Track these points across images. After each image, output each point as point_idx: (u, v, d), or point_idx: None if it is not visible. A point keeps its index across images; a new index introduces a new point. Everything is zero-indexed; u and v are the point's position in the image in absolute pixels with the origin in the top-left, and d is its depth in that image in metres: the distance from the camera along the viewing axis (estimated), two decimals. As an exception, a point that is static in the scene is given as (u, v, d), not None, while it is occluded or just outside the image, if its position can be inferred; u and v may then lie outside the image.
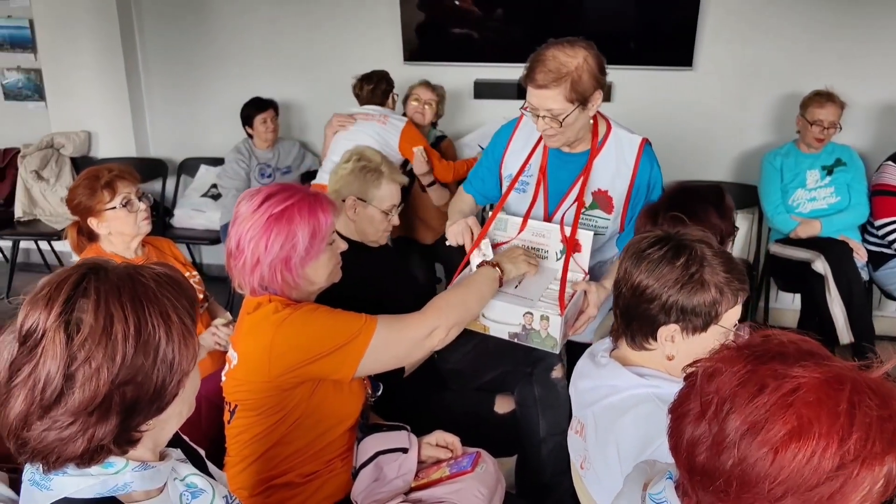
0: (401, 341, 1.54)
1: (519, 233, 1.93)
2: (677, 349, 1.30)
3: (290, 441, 1.54)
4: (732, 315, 1.30)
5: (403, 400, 1.89)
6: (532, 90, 1.78)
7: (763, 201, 3.49)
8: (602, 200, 1.94)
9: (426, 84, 3.57)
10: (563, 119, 1.77)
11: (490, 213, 1.99)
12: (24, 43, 4.47)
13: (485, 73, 3.87)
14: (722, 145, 3.82)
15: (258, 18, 4.14)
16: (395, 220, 2.08)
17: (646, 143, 1.95)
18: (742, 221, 3.78)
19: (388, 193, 2.03)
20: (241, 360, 1.52)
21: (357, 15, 3.99)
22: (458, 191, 2.22)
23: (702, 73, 3.69)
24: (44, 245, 4.64)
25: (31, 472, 0.95)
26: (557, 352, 1.75)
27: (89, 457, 0.91)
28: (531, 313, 1.70)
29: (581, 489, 1.43)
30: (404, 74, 3.79)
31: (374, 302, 1.89)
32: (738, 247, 3.79)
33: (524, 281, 1.83)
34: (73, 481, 0.93)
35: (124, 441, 0.92)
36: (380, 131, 3.39)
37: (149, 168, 4.36)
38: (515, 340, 1.75)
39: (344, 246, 1.63)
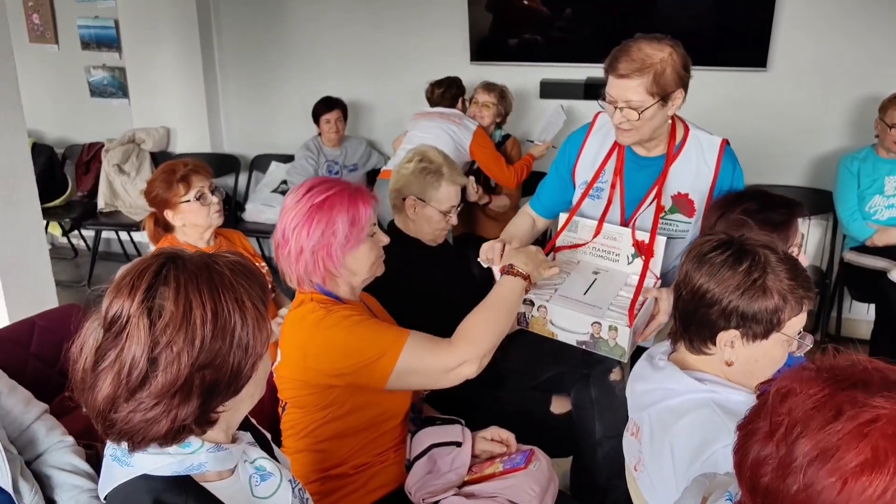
0: (428, 370, 1.50)
1: (595, 236, 1.89)
2: (737, 355, 1.28)
3: (341, 435, 1.57)
4: (796, 323, 1.27)
5: (459, 394, 1.91)
6: (613, 80, 1.75)
7: (838, 207, 3.37)
8: (682, 204, 1.90)
9: (484, 86, 3.62)
10: (642, 112, 1.73)
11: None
12: (110, 42, 4.69)
13: (551, 74, 3.86)
14: (796, 148, 3.70)
15: (329, 20, 4.24)
16: (454, 221, 2.10)
17: (726, 144, 1.91)
18: (815, 228, 3.65)
19: (446, 194, 2.06)
20: (283, 356, 1.57)
21: (424, 16, 4.05)
22: (521, 210, 2.16)
23: (776, 73, 3.59)
24: (123, 235, 4.86)
25: (112, 448, 1.01)
26: (626, 360, 1.72)
27: (172, 437, 0.96)
28: (599, 323, 1.65)
29: (635, 491, 1.42)
30: (470, 75, 3.83)
31: (429, 298, 1.93)
32: (811, 254, 3.67)
33: (595, 285, 1.79)
34: (153, 459, 0.98)
35: (204, 422, 0.97)
36: (455, 130, 3.48)
37: (222, 163, 4.52)
38: (584, 347, 1.72)
39: (385, 239, 1.63)
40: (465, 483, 1.63)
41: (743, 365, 1.29)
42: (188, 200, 2.25)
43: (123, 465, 0.99)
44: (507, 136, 3.72)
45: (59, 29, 4.77)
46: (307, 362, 1.51)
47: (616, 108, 1.77)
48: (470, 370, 1.48)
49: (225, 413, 1.00)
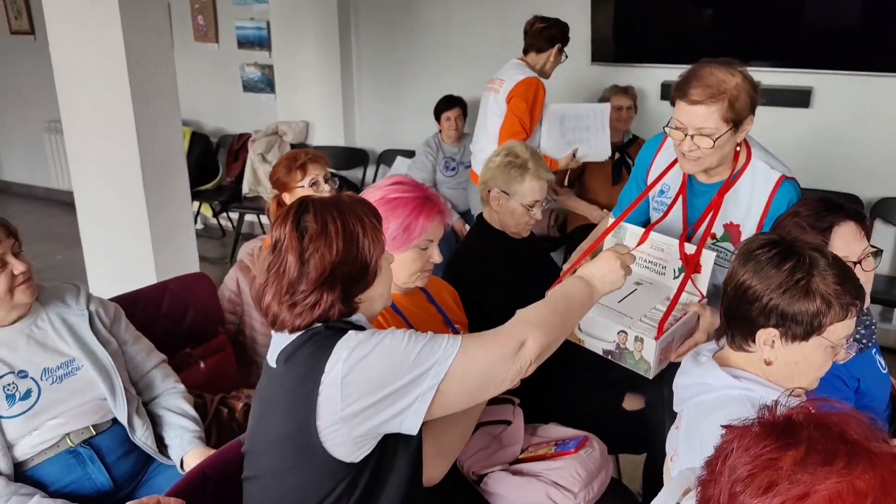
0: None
1: (638, 244, 1.83)
2: (776, 355, 1.28)
3: None
4: (841, 329, 1.25)
5: (531, 382, 1.98)
6: (684, 106, 1.69)
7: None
8: (733, 234, 1.85)
9: (619, 89, 3.62)
10: (717, 140, 1.68)
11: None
12: (262, 42, 5.13)
13: (672, 75, 3.79)
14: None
15: (458, 20, 4.40)
16: (538, 216, 2.15)
17: (784, 181, 1.80)
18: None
19: (530, 189, 2.11)
20: None
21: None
22: (605, 219, 2.15)
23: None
24: (263, 219, 5.30)
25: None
26: (651, 377, 1.62)
27: (325, 316, 1.27)
28: (625, 332, 1.60)
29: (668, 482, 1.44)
30: (590, 75, 3.85)
31: (508, 289, 2.01)
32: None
33: (633, 295, 1.72)
34: None
35: (348, 306, 1.29)
36: (492, 102, 3.39)
37: (353, 157, 4.82)
38: (609, 358, 1.66)
39: (437, 259, 1.65)
40: (517, 461, 1.71)
41: (782, 366, 1.28)
42: (302, 186, 2.46)
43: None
44: (634, 139, 3.71)
45: (220, 29, 5.28)
46: None
47: (686, 135, 1.71)
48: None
49: (363, 304, 1.31)
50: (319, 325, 1.26)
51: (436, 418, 1.30)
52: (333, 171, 3.80)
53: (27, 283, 1.72)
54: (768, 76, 3.67)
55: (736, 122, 1.69)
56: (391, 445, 1.26)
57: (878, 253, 1.63)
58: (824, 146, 3.60)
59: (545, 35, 3.33)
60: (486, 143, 3.39)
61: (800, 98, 3.59)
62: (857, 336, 1.63)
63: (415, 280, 1.71)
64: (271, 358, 1.30)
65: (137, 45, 3.01)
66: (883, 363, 1.74)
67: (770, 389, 1.28)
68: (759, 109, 3.50)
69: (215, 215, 5.52)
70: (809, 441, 0.73)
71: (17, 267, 1.69)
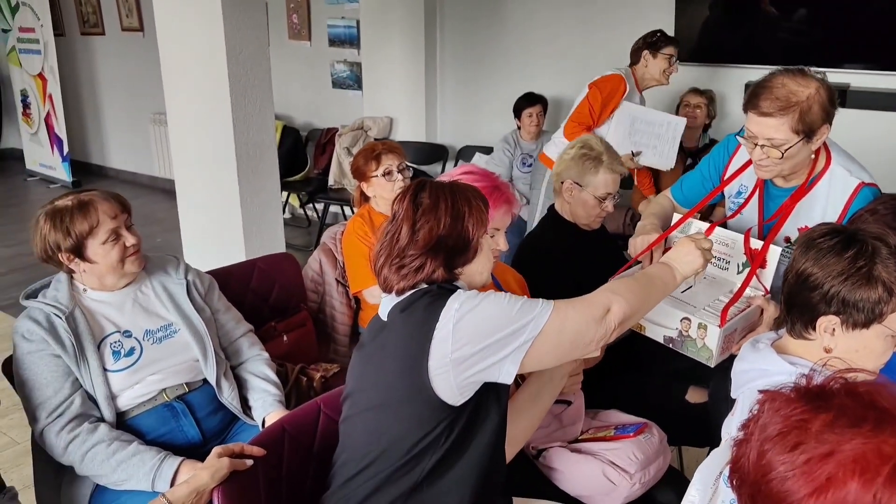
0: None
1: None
2: (836, 343, 1.29)
3: None
4: (902, 317, 1.26)
5: (596, 368, 2.02)
6: (754, 117, 1.71)
7: None
8: None
9: (693, 90, 3.62)
10: (786, 151, 1.69)
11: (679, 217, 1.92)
12: (352, 40, 5.33)
13: (756, 76, 3.73)
14: None
15: (541, 19, 4.46)
16: (609, 208, 2.19)
17: (863, 188, 1.78)
18: None
19: (603, 181, 2.16)
20: None
21: (633, 15, 4.11)
22: (663, 193, 2.19)
23: None
24: (347, 210, 5.49)
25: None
26: (713, 365, 1.63)
27: (428, 280, 1.41)
28: (689, 319, 1.62)
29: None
30: (673, 75, 3.82)
31: (577, 280, 2.05)
32: None
33: (696, 286, 1.74)
34: None
35: (449, 275, 1.43)
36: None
37: (433, 152, 4.95)
38: (670, 345, 1.68)
39: (504, 246, 1.68)
40: (576, 440, 1.76)
41: (842, 353, 1.29)
42: (377, 175, 2.58)
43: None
44: (711, 143, 3.69)
45: (313, 28, 5.52)
46: None
47: (756, 144, 1.73)
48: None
49: (463, 276, 1.46)
50: (430, 286, 1.41)
51: (508, 408, 1.46)
52: (414, 165, 3.94)
53: (136, 254, 1.90)
54: (859, 78, 3.57)
55: (807, 132, 1.69)
56: (486, 397, 1.39)
57: None
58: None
59: (632, 49, 3.51)
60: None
61: (892, 101, 3.47)
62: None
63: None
64: (383, 313, 1.45)
65: (237, 43, 3.22)
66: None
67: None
68: (849, 112, 3.43)
69: (302, 206, 5.77)
70: (840, 406, 0.76)
71: (129, 239, 1.87)
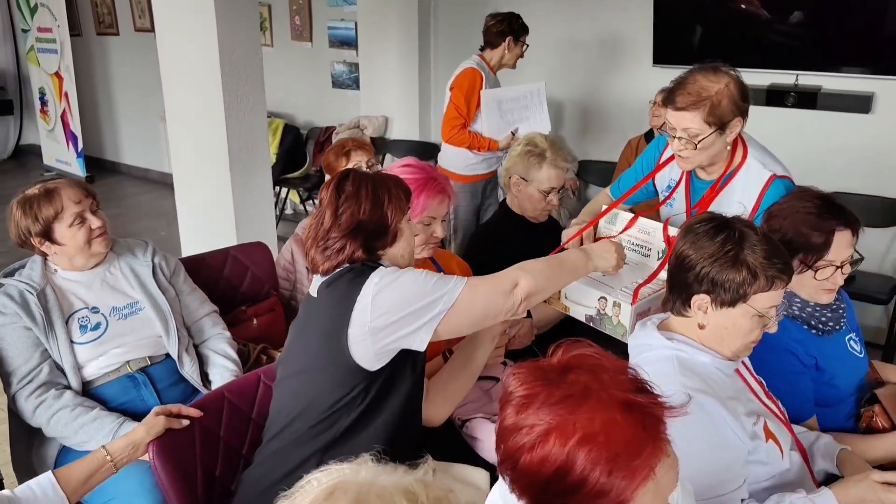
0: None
1: (626, 228, 1.99)
2: (708, 320, 1.41)
3: None
4: (765, 299, 1.37)
5: (523, 350, 2.12)
6: (671, 111, 1.86)
7: None
8: None
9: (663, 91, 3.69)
10: (699, 141, 1.83)
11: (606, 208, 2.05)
12: (350, 41, 5.49)
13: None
14: None
15: (527, 23, 4.56)
16: (554, 202, 2.33)
17: (774, 179, 1.89)
18: None
19: (546, 176, 2.29)
20: None
21: (611, 16, 4.21)
22: (602, 191, 2.31)
23: None
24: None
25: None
26: (627, 341, 1.68)
27: (349, 260, 1.56)
28: (605, 298, 1.76)
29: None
30: (652, 77, 3.92)
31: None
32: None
33: (619, 271, 1.83)
34: None
35: (370, 257, 1.57)
36: None
37: (425, 150, 5.08)
38: (591, 324, 1.82)
39: (441, 233, 1.92)
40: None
41: (714, 329, 1.41)
42: (346, 170, 2.73)
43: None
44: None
45: (314, 29, 5.69)
46: None
47: (675, 137, 1.87)
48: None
49: (385, 258, 1.60)
50: (353, 264, 1.54)
51: (443, 371, 1.66)
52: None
53: (102, 236, 2.07)
54: (830, 81, 3.64)
55: (719, 125, 1.81)
56: (401, 364, 1.54)
57: (859, 260, 1.72)
58: (886, 152, 3.54)
59: (494, 31, 3.56)
60: None
61: (862, 103, 3.55)
62: (824, 318, 1.71)
63: (420, 251, 1.93)
64: (313, 290, 1.61)
65: (230, 43, 3.37)
66: (858, 348, 1.80)
67: (701, 351, 1.42)
68: (820, 114, 3.48)
69: (302, 202, 5.93)
70: (568, 383, 0.92)
71: (95, 222, 2.04)
